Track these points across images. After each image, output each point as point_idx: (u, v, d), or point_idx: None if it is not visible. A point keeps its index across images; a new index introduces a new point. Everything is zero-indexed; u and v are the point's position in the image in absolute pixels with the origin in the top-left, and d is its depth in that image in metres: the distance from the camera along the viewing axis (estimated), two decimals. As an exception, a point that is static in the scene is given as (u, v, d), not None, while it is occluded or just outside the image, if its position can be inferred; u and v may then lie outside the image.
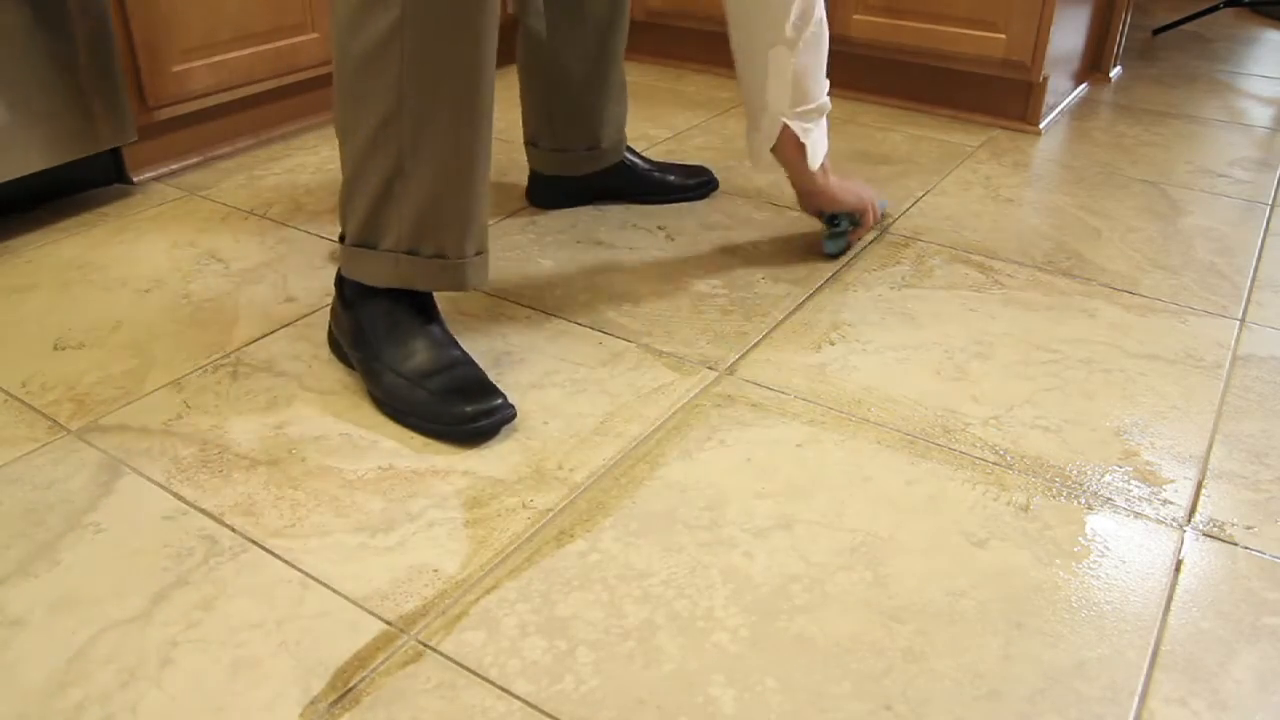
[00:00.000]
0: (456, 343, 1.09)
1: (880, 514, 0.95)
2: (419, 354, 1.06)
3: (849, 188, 1.42)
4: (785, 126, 1.30)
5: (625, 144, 1.55)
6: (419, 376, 1.04)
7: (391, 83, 0.97)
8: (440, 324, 1.10)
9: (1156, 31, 2.63)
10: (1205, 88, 2.20)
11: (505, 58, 2.24)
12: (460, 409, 1.02)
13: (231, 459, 1.00)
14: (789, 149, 1.32)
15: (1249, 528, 0.94)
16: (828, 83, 1.31)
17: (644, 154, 1.77)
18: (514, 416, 1.05)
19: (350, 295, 1.09)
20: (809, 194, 1.40)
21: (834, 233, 1.43)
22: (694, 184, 1.59)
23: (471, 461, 1.00)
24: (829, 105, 1.33)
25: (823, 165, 1.36)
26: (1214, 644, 0.81)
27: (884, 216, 1.54)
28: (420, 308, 1.09)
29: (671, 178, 1.57)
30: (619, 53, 1.47)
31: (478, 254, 1.08)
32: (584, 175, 1.52)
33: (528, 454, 1.02)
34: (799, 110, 1.29)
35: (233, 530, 0.91)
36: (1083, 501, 0.97)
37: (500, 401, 1.03)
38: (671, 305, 1.29)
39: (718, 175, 1.63)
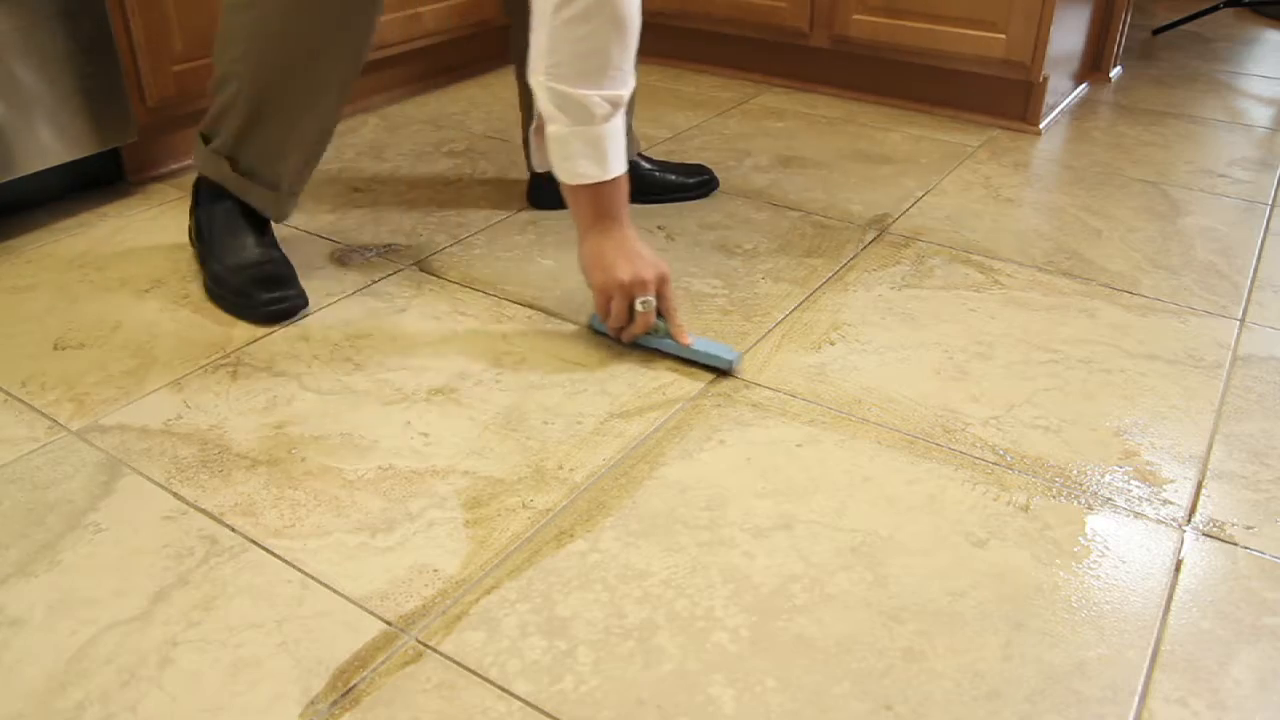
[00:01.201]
0: (278, 246, 1.30)
1: (880, 514, 0.95)
2: (243, 251, 1.26)
3: (608, 258, 1.13)
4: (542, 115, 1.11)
5: (635, 147, 1.54)
6: (237, 268, 1.25)
7: (243, 37, 1.17)
8: (269, 234, 1.30)
9: (1156, 31, 2.63)
10: (1205, 88, 2.20)
11: (502, 60, 2.24)
12: (260, 295, 1.22)
13: (231, 459, 1.00)
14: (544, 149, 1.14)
15: (1249, 528, 0.94)
16: (618, 83, 1.08)
17: (646, 154, 1.77)
18: (303, 305, 1.25)
19: (199, 198, 1.30)
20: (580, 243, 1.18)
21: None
22: (694, 183, 1.58)
23: (471, 461, 1.00)
24: (596, 106, 1.07)
25: (605, 211, 1.13)
26: (1214, 644, 0.81)
27: (731, 372, 1.15)
28: (254, 219, 1.28)
29: (672, 177, 1.57)
30: None
31: (291, 194, 1.28)
32: None
33: (528, 454, 1.02)
34: (552, 86, 1.06)
35: (233, 530, 0.91)
36: (1083, 501, 0.97)
37: (292, 292, 1.24)
38: (671, 305, 1.29)
39: (718, 175, 1.63)
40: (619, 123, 1.10)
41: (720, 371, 1.15)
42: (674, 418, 1.08)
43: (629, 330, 1.16)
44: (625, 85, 1.08)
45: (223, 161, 1.25)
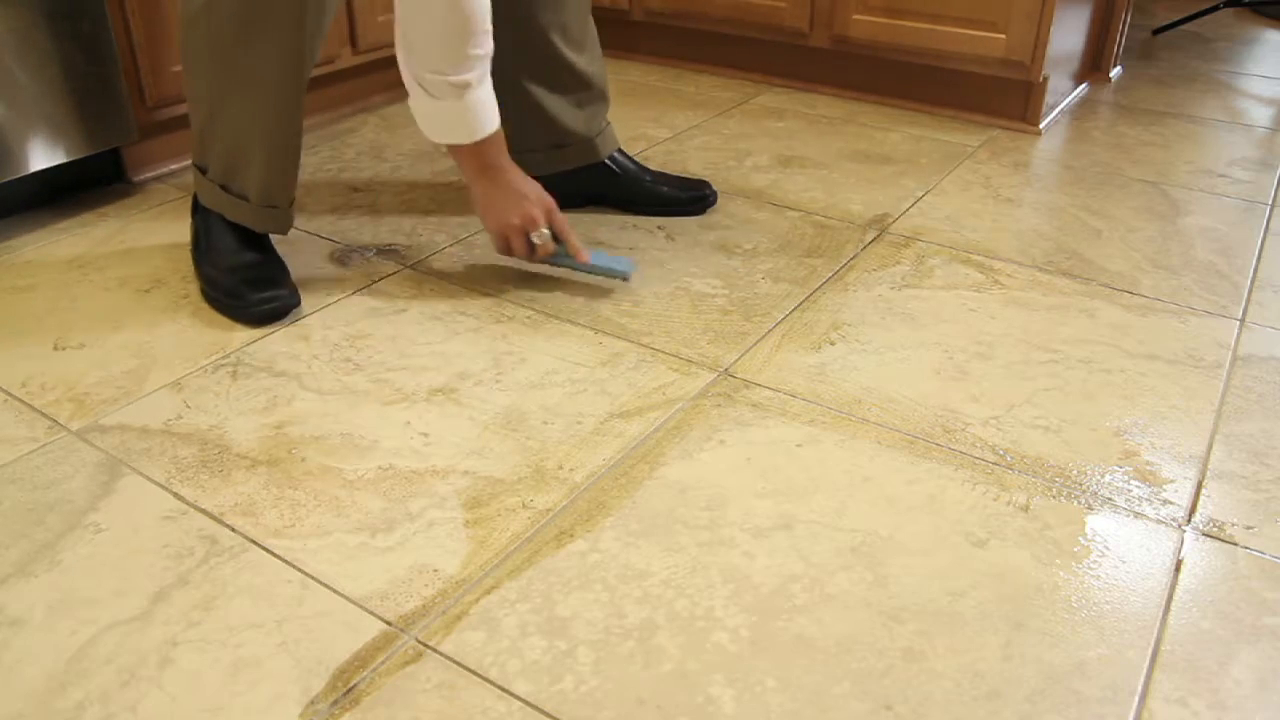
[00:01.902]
0: (271, 247, 1.30)
1: (880, 514, 0.95)
2: (235, 253, 1.27)
3: (497, 205, 1.26)
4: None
5: (610, 145, 1.51)
6: (229, 269, 1.26)
7: (202, 55, 1.18)
8: (263, 238, 1.30)
9: (1156, 31, 2.63)
10: (1205, 88, 2.20)
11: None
12: (250, 296, 1.23)
13: (231, 459, 1.00)
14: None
15: (1249, 528, 0.94)
16: (466, 68, 1.15)
17: (645, 154, 1.77)
18: (294, 305, 1.25)
19: (197, 204, 1.31)
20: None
21: None
22: (686, 197, 1.53)
23: (471, 461, 1.01)
24: (446, 86, 1.15)
25: (485, 163, 1.23)
26: (1214, 644, 0.81)
27: (627, 280, 1.33)
28: (248, 230, 1.29)
29: (665, 189, 1.53)
30: (551, 39, 1.40)
31: (269, 206, 1.26)
32: (558, 176, 1.50)
33: (528, 454, 1.02)
34: (409, 65, 1.16)
35: (233, 530, 0.91)
36: (1083, 501, 0.97)
37: (283, 292, 1.24)
38: (671, 305, 1.29)
39: (718, 175, 1.63)
40: (479, 95, 1.18)
41: (619, 279, 1.32)
42: (674, 418, 1.08)
43: (533, 258, 1.30)
44: (474, 69, 1.16)
45: (219, 191, 1.26)
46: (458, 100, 1.16)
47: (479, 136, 1.20)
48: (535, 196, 1.26)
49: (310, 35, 1.17)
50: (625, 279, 1.32)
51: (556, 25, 1.40)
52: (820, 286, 1.35)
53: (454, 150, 1.23)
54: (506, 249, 1.29)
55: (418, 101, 1.18)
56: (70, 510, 0.93)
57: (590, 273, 1.33)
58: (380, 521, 0.93)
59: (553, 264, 1.32)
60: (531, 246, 1.27)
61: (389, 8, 1.88)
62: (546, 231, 1.27)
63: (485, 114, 1.20)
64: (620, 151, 1.53)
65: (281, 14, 1.14)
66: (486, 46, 1.16)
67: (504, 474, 0.99)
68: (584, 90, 1.45)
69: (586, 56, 1.45)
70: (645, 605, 0.84)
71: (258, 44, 1.16)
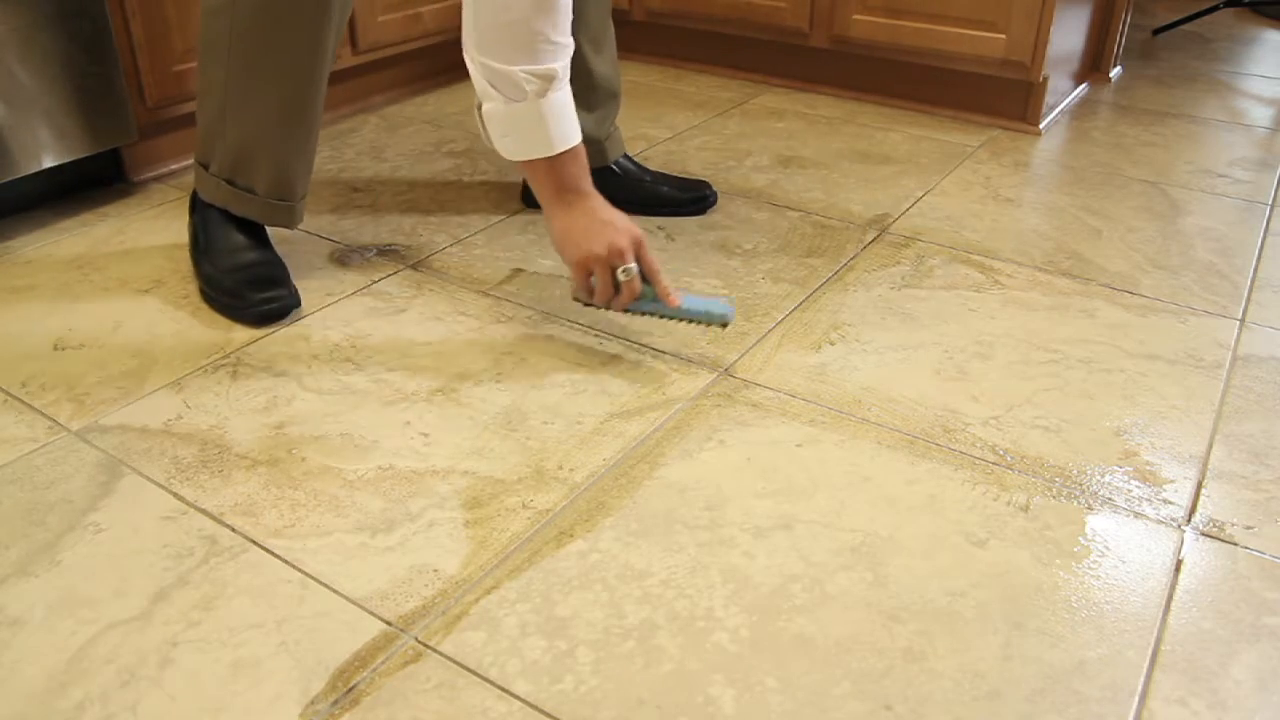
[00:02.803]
0: (271, 247, 1.30)
1: (880, 514, 0.95)
2: (236, 253, 1.26)
3: (577, 234, 1.10)
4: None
5: (617, 150, 1.51)
6: (230, 269, 1.25)
7: (223, 47, 1.17)
8: (263, 235, 1.30)
9: (1156, 31, 2.63)
10: (1205, 88, 2.20)
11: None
12: (250, 296, 1.22)
13: (231, 459, 1.00)
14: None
15: (1249, 528, 0.94)
16: (548, 57, 1.03)
17: (645, 154, 1.77)
18: (295, 305, 1.25)
19: (195, 203, 1.31)
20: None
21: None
22: (686, 198, 1.53)
23: (471, 461, 1.01)
24: (525, 82, 1.02)
25: (566, 185, 1.09)
26: (1214, 644, 0.81)
27: (723, 324, 1.16)
28: (247, 221, 1.28)
29: (665, 189, 1.53)
30: (574, 37, 1.38)
31: (281, 200, 1.26)
32: None
33: (528, 454, 1.02)
34: (483, 61, 1.03)
35: (233, 530, 0.91)
36: (1083, 501, 0.97)
37: (284, 292, 1.24)
38: (671, 305, 1.29)
39: (718, 175, 1.63)
40: (559, 97, 1.05)
41: (716, 326, 1.18)
42: (674, 418, 1.08)
43: (617, 300, 1.13)
44: (557, 59, 1.04)
45: (223, 185, 1.25)
46: (538, 100, 1.03)
47: (559, 149, 1.07)
48: (623, 226, 1.10)
49: (335, 30, 1.17)
50: (724, 326, 1.16)
51: (579, 23, 1.39)
52: (820, 286, 1.35)
53: (530, 170, 1.10)
54: (587, 287, 1.13)
55: (492, 107, 1.05)
56: (70, 510, 0.93)
57: (682, 319, 1.16)
58: (380, 521, 0.93)
59: (637, 310, 1.15)
60: (616, 284, 1.11)
61: (389, 8, 1.88)
62: (634, 268, 1.10)
63: (566, 122, 1.07)
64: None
65: (308, 8, 1.14)
66: (568, 34, 1.04)
67: (504, 474, 0.99)
68: (594, 92, 1.45)
69: (603, 57, 1.45)
70: (645, 605, 0.84)
71: (282, 37, 1.15)
